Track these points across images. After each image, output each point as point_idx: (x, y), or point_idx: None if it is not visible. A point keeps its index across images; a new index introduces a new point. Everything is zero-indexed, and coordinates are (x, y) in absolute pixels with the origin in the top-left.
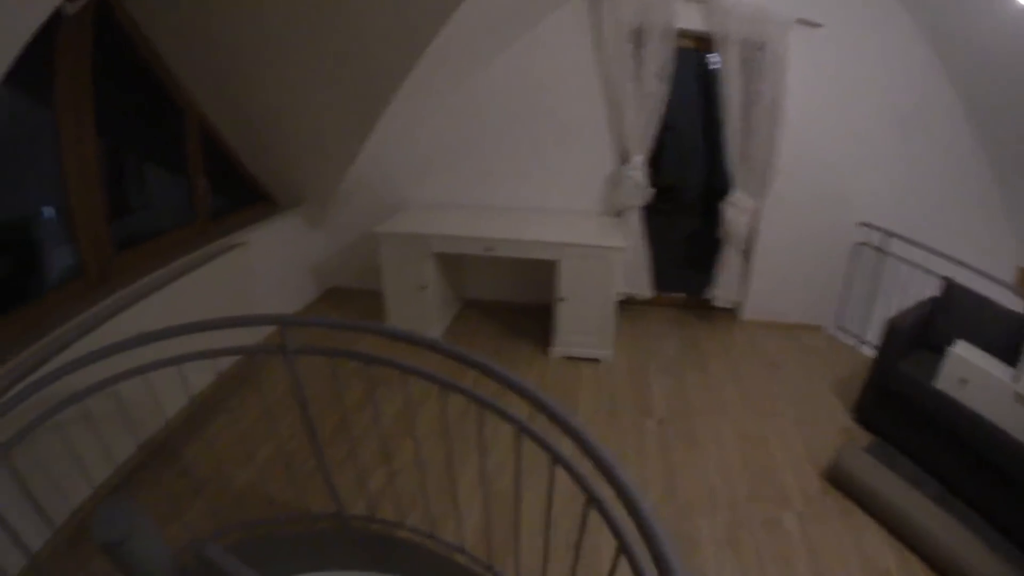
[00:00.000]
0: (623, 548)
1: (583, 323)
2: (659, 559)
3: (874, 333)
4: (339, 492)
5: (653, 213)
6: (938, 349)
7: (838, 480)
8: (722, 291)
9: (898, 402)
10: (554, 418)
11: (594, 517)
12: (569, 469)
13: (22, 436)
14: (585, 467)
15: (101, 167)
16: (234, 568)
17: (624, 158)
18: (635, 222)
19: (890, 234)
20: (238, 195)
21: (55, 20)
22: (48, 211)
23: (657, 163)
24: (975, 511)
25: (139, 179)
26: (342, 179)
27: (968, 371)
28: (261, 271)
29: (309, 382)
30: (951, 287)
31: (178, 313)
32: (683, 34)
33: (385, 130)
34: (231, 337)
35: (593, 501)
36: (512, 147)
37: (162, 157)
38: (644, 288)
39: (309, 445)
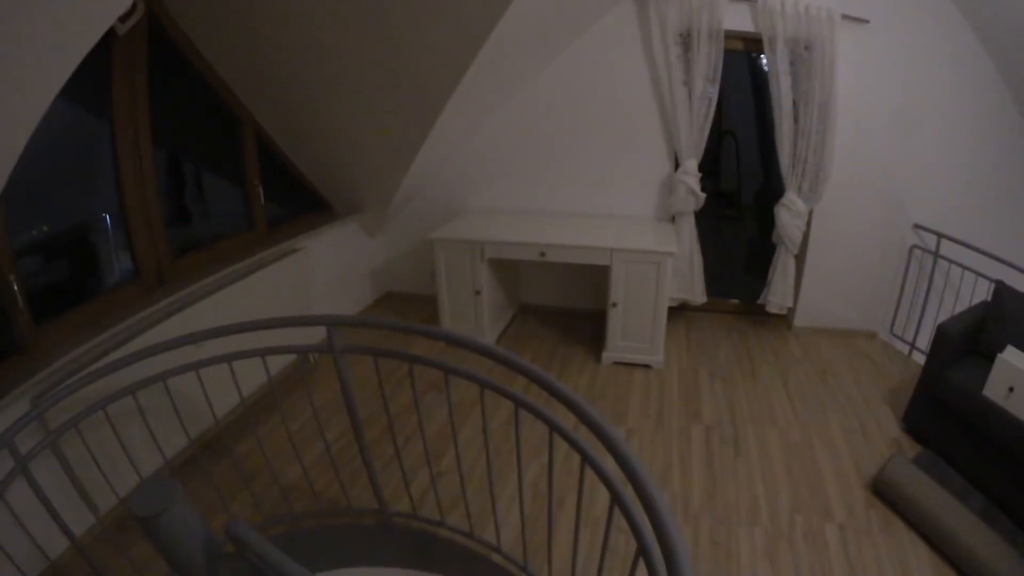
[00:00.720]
0: (641, 549)
1: (635, 329)
2: (669, 555)
3: (926, 339)
4: (383, 491)
5: (709, 217)
6: (990, 356)
7: (883, 492)
8: (775, 296)
9: (947, 411)
10: (581, 416)
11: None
12: (596, 468)
13: (73, 423)
14: (611, 468)
15: (158, 176)
16: (260, 545)
17: (677, 163)
18: (689, 227)
19: (944, 236)
20: (297, 204)
21: (110, 36)
22: (108, 218)
23: (716, 168)
24: (1017, 524)
25: (198, 187)
26: (397, 188)
27: (1015, 378)
28: (319, 276)
29: (361, 385)
30: (1002, 290)
31: (235, 315)
32: (731, 35)
33: (438, 140)
34: (285, 338)
35: (616, 500)
36: (564, 153)
37: (221, 166)
38: (697, 294)
39: (356, 444)
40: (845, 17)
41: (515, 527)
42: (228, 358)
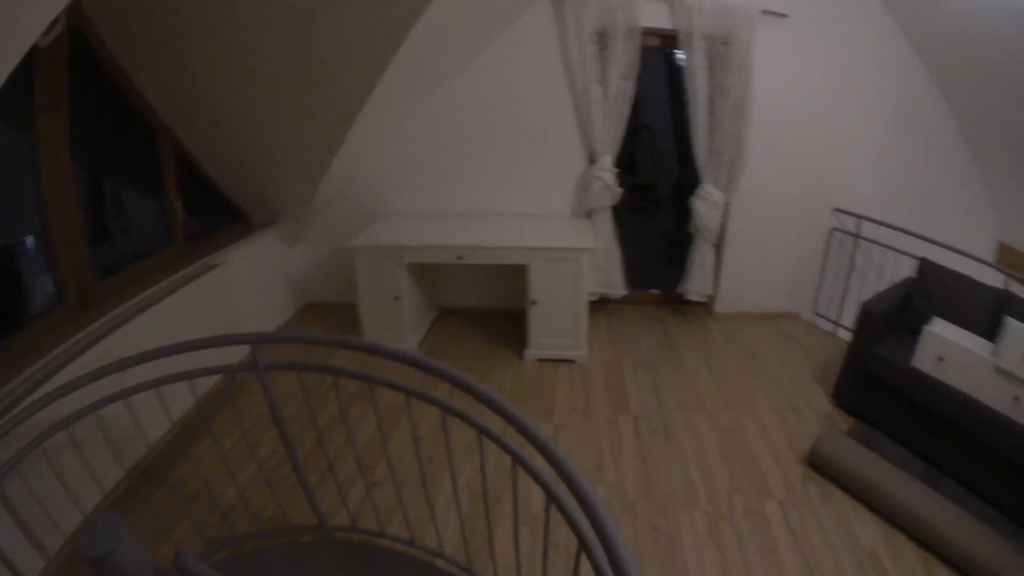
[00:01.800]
0: (581, 543)
1: (556, 325)
2: (606, 542)
3: (851, 318)
4: (321, 505)
5: (626, 211)
6: (916, 329)
7: (819, 465)
8: (695, 285)
9: (877, 384)
10: (506, 417)
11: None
12: (527, 468)
13: (13, 464)
14: (543, 466)
15: (79, 194)
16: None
17: (592, 159)
18: (606, 222)
19: (863, 218)
20: (215, 216)
21: (31, 51)
22: (30, 240)
23: (632, 163)
24: (961, 485)
25: (117, 205)
26: (315, 194)
27: (945, 348)
28: (240, 290)
29: (288, 399)
30: (926, 267)
31: (162, 336)
32: (648, 33)
33: (355, 144)
34: (210, 358)
35: (551, 499)
36: (482, 154)
37: (138, 181)
38: (617, 287)
39: (289, 461)
40: (764, 12)
41: (456, 531)
42: (156, 383)
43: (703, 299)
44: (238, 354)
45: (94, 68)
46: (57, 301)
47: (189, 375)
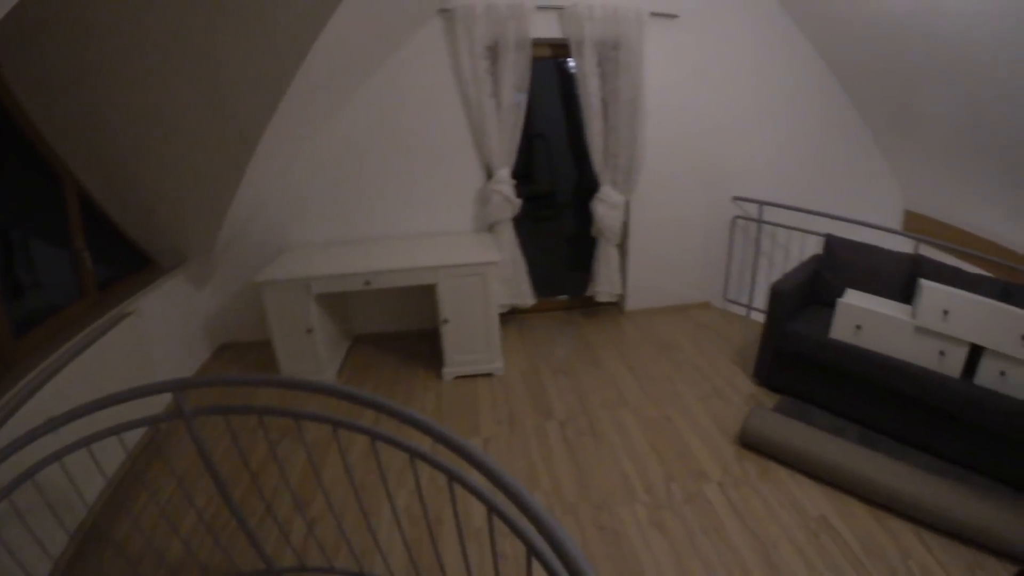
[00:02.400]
0: (529, 548)
1: (470, 340)
2: (555, 545)
3: (764, 300)
4: (265, 548)
5: (529, 221)
6: (830, 303)
7: (752, 443)
8: (603, 286)
9: (797, 359)
10: (433, 434)
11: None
12: (463, 483)
13: None
14: (478, 480)
15: None
16: None
17: (490, 173)
18: (508, 234)
19: (763, 203)
20: (123, 262)
21: None
22: None
23: (529, 172)
24: (899, 441)
25: (26, 259)
26: (219, 232)
27: (861, 317)
28: (154, 337)
29: (216, 443)
30: (831, 242)
31: (84, 392)
32: (539, 43)
33: (256, 176)
34: (136, 409)
35: (492, 510)
36: (381, 177)
37: (44, 232)
38: (526, 296)
39: (227, 507)
40: (654, 14)
41: (403, 556)
42: (88, 441)
43: (613, 299)
44: (162, 402)
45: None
46: None
47: (117, 429)
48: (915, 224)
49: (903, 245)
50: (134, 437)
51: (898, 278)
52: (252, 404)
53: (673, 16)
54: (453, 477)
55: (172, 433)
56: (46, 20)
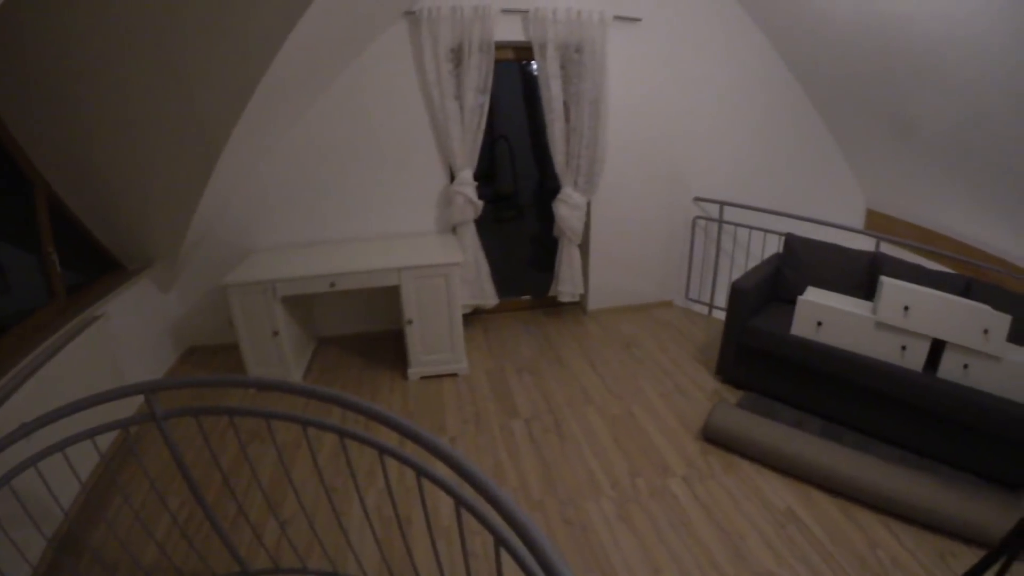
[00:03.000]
0: (496, 537)
1: (434, 341)
2: (520, 531)
3: (725, 298)
4: (239, 550)
5: (492, 222)
6: (791, 300)
7: (715, 438)
8: (565, 286)
9: (759, 355)
10: (399, 429)
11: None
12: (430, 477)
13: None
14: (446, 474)
15: None
16: None
17: (453, 175)
18: (471, 235)
19: (723, 203)
20: (91, 266)
21: None
22: None
23: (492, 173)
24: (862, 433)
25: None
26: (185, 235)
27: (822, 313)
28: (123, 340)
29: (187, 445)
30: (792, 241)
31: (55, 397)
32: (503, 46)
33: (221, 179)
34: (107, 412)
35: (460, 503)
36: (345, 179)
37: (11, 235)
38: (489, 297)
39: (201, 509)
40: (617, 18)
41: (375, 554)
42: (60, 446)
43: (575, 299)
44: (133, 405)
45: None
46: None
47: (91, 432)
48: (877, 223)
49: (866, 243)
50: (106, 441)
51: (859, 275)
52: (223, 406)
53: (636, 20)
54: (420, 471)
55: (143, 436)
56: (20, 24)
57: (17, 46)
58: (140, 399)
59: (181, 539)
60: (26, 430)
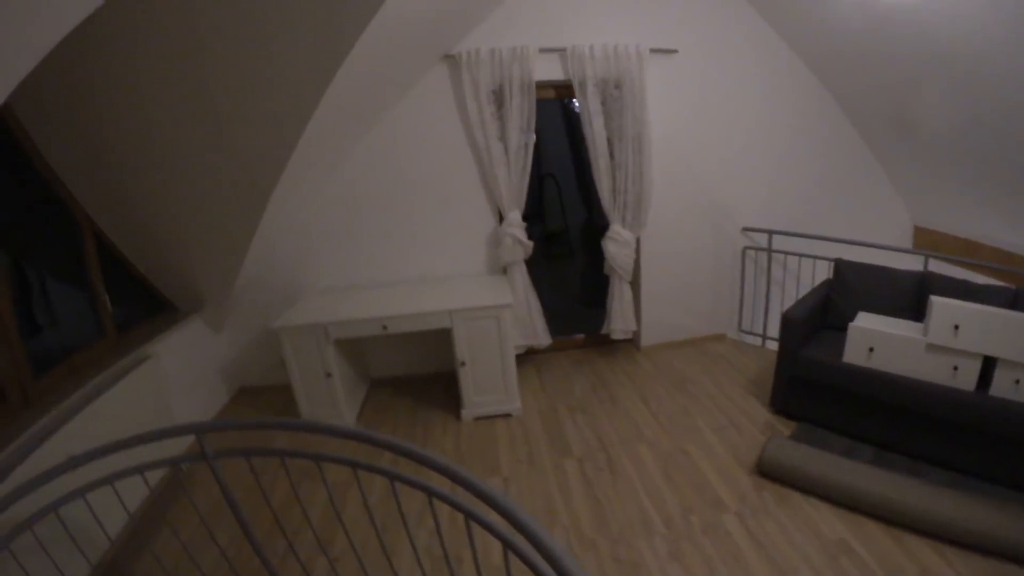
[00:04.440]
0: None
1: (487, 382)
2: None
3: (777, 328)
4: None
5: (542, 260)
6: (842, 327)
7: (769, 472)
8: (618, 323)
9: (812, 385)
10: (453, 477)
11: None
12: (481, 523)
13: None
14: (496, 518)
15: (8, 291)
16: None
17: (501, 216)
18: (522, 275)
19: (773, 232)
20: (141, 305)
21: None
22: None
23: (540, 212)
24: (914, 459)
25: (44, 298)
26: (236, 276)
27: (873, 339)
28: (174, 380)
29: (238, 483)
30: (840, 266)
31: (103, 432)
32: (543, 85)
33: (271, 222)
34: (154, 450)
35: (508, 548)
36: (393, 221)
37: (63, 273)
38: (541, 337)
39: (249, 545)
40: (654, 51)
41: None
42: (110, 479)
43: (628, 336)
44: (183, 443)
45: (17, 158)
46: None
47: (141, 468)
48: (925, 239)
49: (914, 262)
50: (155, 475)
51: (908, 296)
52: (273, 447)
53: (672, 51)
54: (470, 516)
55: (194, 472)
56: (66, 69)
57: (60, 86)
58: (191, 436)
59: (229, 573)
60: (75, 463)
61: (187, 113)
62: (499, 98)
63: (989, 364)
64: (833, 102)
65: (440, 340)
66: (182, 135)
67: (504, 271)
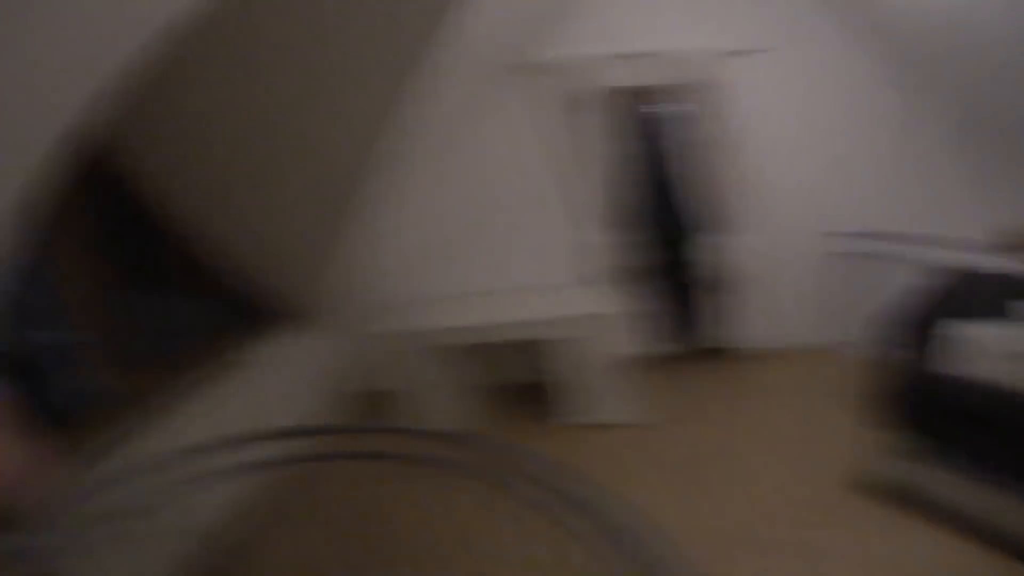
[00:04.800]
0: None
1: (595, 391)
2: None
3: (879, 337)
4: None
5: (642, 269)
6: (939, 334)
7: (872, 488)
8: (717, 333)
9: (919, 397)
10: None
11: None
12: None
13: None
14: None
15: (114, 296)
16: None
17: (589, 224)
18: (624, 285)
19: (865, 235)
20: (243, 312)
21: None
22: (71, 338)
23: (635, 221)
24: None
25: (148, 303)
26: (336, 287)
27: (975, 346)
28: (274, 383)
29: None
30: (935, 271)
31: (206, 430)
32: (622, 91)
33: (366, 236)
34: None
35: None
36: (488, 231)
37: (167, 279)
38: (647, 346)
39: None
40: (735, 52)
41: None
42: (234, 472)
43: (727, 344)
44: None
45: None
46: (106, 398)
47: (262, 465)
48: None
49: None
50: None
51: (1003, 300)
52: (392, 452)
53: (756, 51)
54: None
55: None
56: (174, 100)
57: (177, 120)
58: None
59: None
60: (170, 461)
61: (287, 143)
62: (578, 106)
63: None
64: (912, 103)
65: (545, 348)
66: (286, 156)
67: (603, 280)
